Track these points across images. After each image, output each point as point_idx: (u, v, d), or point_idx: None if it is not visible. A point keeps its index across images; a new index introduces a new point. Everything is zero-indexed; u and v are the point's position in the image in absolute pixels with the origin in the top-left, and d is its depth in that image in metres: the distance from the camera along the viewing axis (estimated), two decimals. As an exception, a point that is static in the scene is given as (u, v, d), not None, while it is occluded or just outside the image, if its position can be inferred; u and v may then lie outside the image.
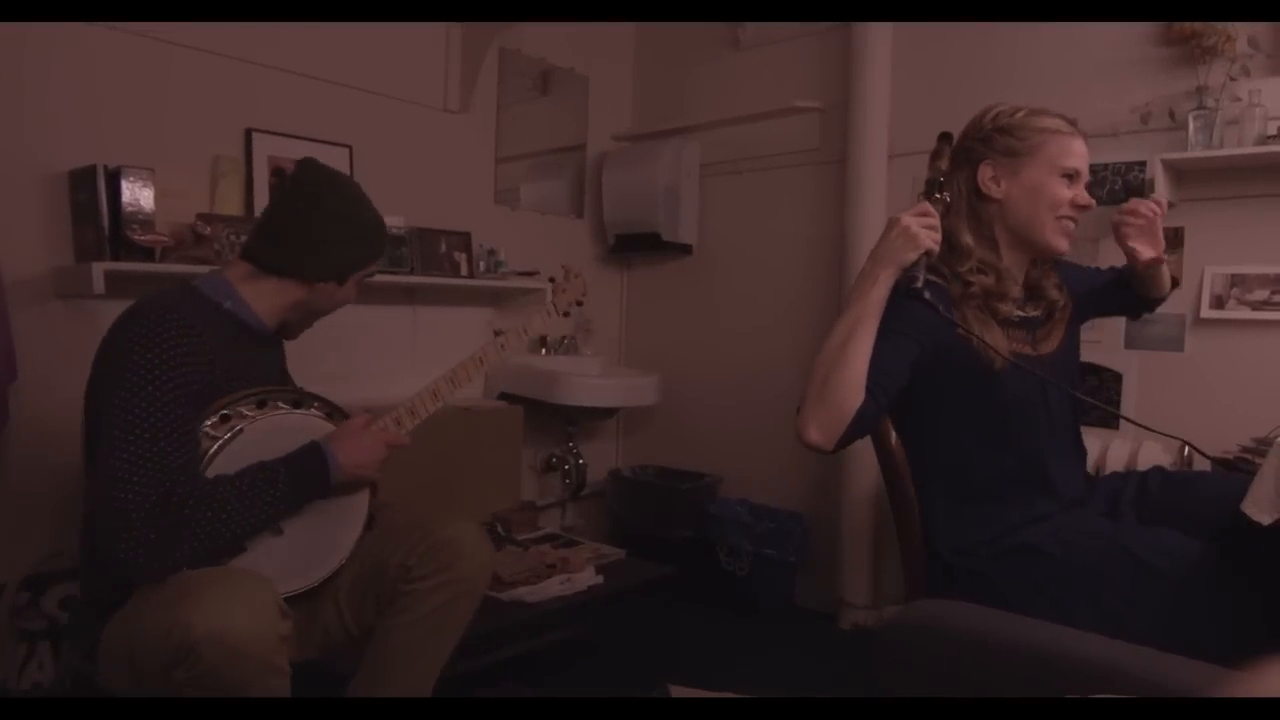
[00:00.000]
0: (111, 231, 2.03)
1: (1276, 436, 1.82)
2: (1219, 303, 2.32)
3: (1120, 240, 1.52)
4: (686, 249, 3.37)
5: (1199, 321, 2.35)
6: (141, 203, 2.06)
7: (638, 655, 2.53)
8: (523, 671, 2.23)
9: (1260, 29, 2.21)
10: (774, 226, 3.19)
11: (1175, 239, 2.38)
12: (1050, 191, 1.42)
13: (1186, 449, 2.24)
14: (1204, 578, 1.24)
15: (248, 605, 1.19)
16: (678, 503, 3.14)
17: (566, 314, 1.98)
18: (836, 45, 2.94)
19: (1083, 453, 1.56)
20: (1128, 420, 1.53)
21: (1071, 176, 1.43)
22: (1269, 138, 2.14)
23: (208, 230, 2.17)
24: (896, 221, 1.32)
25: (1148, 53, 2.40)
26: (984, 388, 1.38)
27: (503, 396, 2.96)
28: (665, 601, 2.62)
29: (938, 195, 1.38)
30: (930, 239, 1.30)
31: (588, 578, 2.35)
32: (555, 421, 3.20)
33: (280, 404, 1.48)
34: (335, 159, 2.55)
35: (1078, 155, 1.43)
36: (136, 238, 2.04)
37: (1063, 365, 1.51)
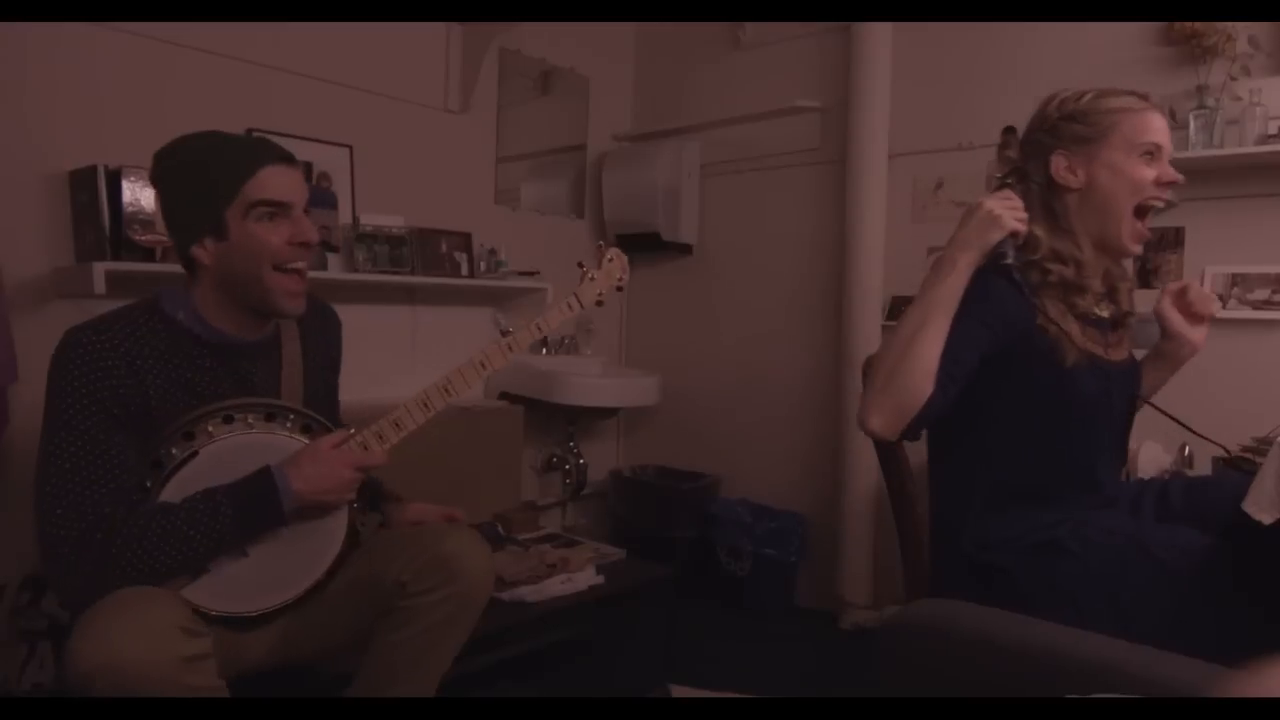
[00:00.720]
0: (112, 231, 2.03)
1: (1277, 435, 1.82)
2: (1220, 302, 2.31)
3: (1163, 307, 1.48)
4: (687, 249, 3.38)
5: (1199, 321, 2.35)
6: (142, 203, 2.06)
7: (638, 655, 2.53)
8: (523, 671, 2.22)
9: (1260, 29, 2.21)
10: (774, 226, 3.20)
11: (1176, 239, 2.38)
12: (1131, 173, 1.34)
13: (1187, 448, 2.25)
14: (1212, 576, 1.24)
15: (138, 631, 1.13)
16: (678, 503, 3.14)
17: (600, 302, 1.72)
18: (837, 45, 2.94)
19: (1125, 457, 1.55)
20: (1186, 427, 1.53)
21: (1152, 153, 1.35)
22: (1269, 137, 2.14)
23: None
24: (979, 205, 1.29)
25: (1148, 52, 2.40)
26: (1055, 381, 1.33)
27: (503, 396, 2.97)
28: (666, 601, 2.62)
29: (1009, 182, 1.35)
30: (1015, 219, 1.27)
31: (588, 577, 2.35)
32: (556, 421, 3.20)
33: (250, 419, 1.37)
34: (335, 159, 2.56)
35: (1156, 130, 1.35)
36: (137, 238, 2.04)
37: (1128, 377, 1.47)
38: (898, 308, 2.79)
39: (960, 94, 2.72)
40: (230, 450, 1.35)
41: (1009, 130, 1.42)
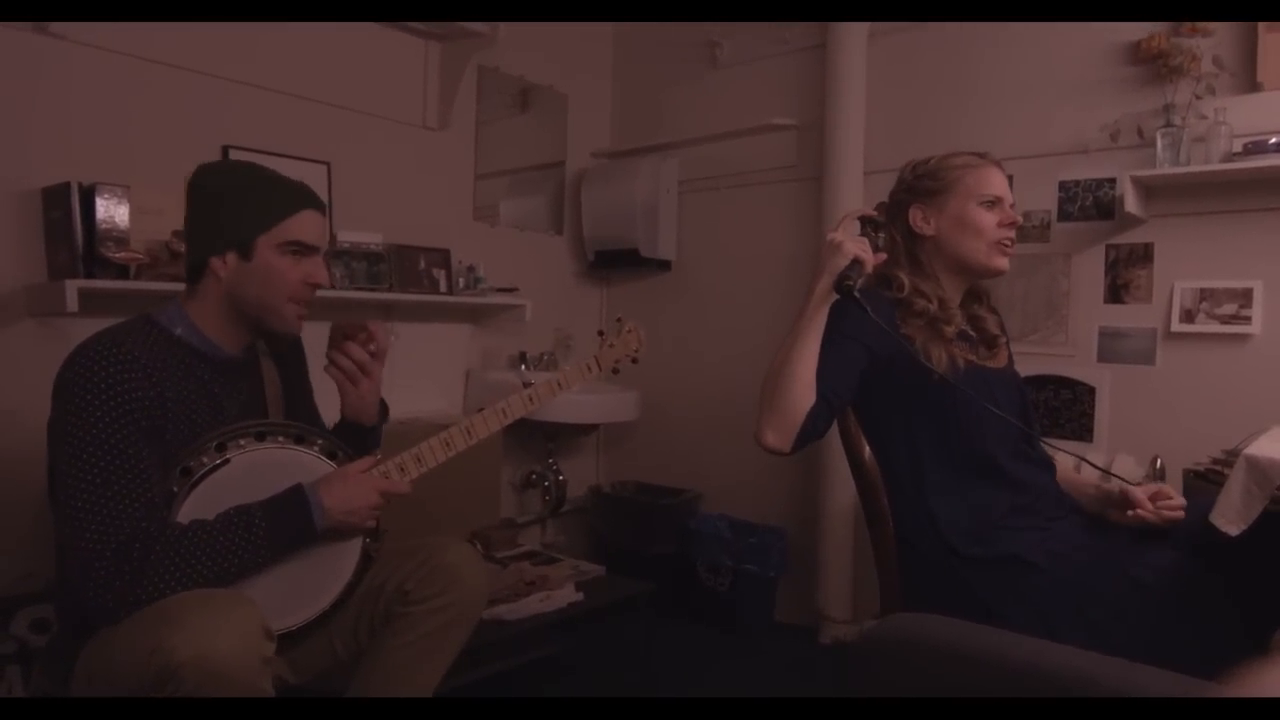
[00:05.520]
0: (85, 249, 2.01)
1: (1244, 448, 1.84)
2: (1189, 317, 2.35)
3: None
4: (666, 265, 3.39)
5: (1170, 335, 2.39)
6: (116, 220, 2.05)
7: (618, 672, 2.52)
8: (501, 690, 2.21)
9: (1225, 49, 2.26)
10: (752, 242, 3.22)
11: (1145, 254, 2.42)
12: (975, 219, 1.53)
13: (1159, 461, 2.27)
14: (1180, 589, 1.26)
15: (231, 628, 1.16)
16: (658, 519, 3.13)
17: (616, 370, 1.84)
18: (812, 63, 2.98)
19: (1045, 462, 1.58)
20: (1048, 443, 1.59)
21: (993, 202, 1.54)
22: (1234, 155, 2.19)
23: (183, 247, 2.15)
24: (826, 238, 1.44)
25: (1116, 72, 2.45)
26: (933, 385, 1.44)
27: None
28: (646, 618, 2.61)
29: (871, 231, 1.48)
30: (856, 248, 1.39)
31: (567, 595, 2.34)
32: (535, 438, 3.19)
33: (280, 439, 1.43)
34: (313, 176, 2.55)
35: (994, 183, 1.55)
36: (111, 255, 2.02)
37: (1009, 381, 1.59)
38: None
39: (934, 113, 2.76)
40: (262, 463, 1.39)
41: (881, 204, 1.58)
